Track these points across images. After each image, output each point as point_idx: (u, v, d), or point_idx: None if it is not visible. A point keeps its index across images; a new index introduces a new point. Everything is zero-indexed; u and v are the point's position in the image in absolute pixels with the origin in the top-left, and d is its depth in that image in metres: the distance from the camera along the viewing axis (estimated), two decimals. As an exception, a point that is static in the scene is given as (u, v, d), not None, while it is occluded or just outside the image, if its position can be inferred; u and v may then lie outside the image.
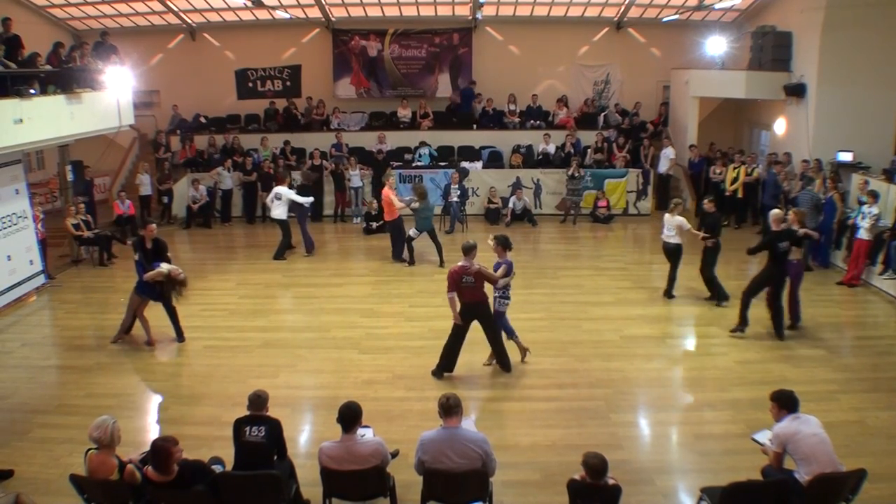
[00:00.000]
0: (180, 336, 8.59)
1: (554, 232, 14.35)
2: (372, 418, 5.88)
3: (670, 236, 9.63)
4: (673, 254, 9.71)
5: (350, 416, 4.61)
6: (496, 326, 7.48)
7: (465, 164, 15.65)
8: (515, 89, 16.95)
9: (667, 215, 9.70)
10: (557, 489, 4.70)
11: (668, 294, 9.91)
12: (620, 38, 17.52)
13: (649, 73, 17.30)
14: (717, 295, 9.59)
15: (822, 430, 4.66)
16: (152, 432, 6.40)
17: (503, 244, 7.49)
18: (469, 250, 7.20)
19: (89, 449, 4.55)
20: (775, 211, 8.37)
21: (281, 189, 12.33)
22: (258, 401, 4.88)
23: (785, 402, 4.75)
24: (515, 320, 8.89)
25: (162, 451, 4.35)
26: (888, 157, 12.08)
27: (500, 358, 7.57)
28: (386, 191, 11.97)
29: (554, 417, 6.59)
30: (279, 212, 12.22)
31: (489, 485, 4.70)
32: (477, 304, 7.28)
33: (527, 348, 7.80)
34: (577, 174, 14.62)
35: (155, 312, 8.56)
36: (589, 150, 15.75)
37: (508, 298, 7.58)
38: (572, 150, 15.63)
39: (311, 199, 12.72)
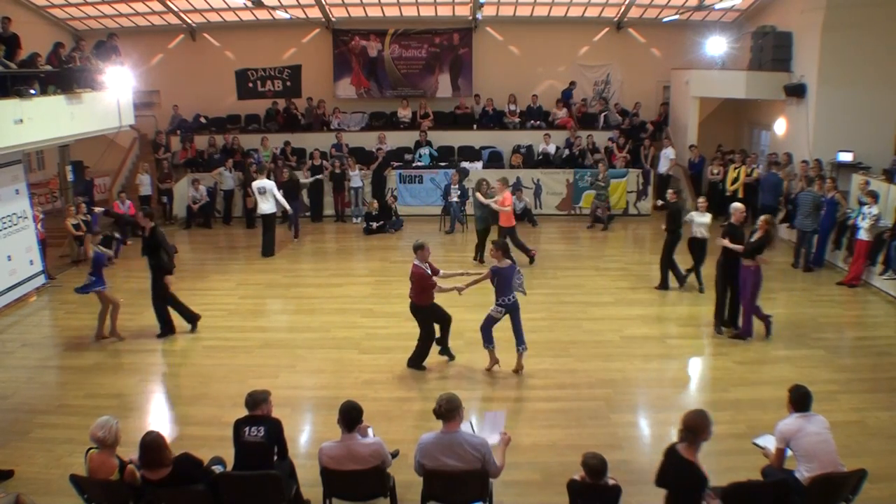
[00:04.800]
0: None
1: (554, 232, 14.35)
2: (372, 418, 5.87)
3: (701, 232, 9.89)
4: (703, 248, 9.98)
5: (351, 416, 4.60)
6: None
7: (465, 164, 15.66)
8: (515, 89, 16.95)
9: (695, 213, 10.00)
10: (558, 489, 4.69)
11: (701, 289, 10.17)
12: (620, 39, 17.51)
13: (649, 74, 17.30)
14: (663, 283, 10.35)
15: (828, 431, 4.65)
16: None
17: (502, 249, 7.41)
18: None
19: (90, 449, 4.55)
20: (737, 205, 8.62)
21: (263, 182, 12.37)
22: (252, 401, 4.88)
23: (795, 399, 4.74)
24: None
25: (154, 443, 4.36)
26: (888, 157, 12.08)
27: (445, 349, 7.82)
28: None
29: (554, 417, 6.59)
30: (266, 206, 12.26)
31: (489, 485, 4.70)
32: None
33: (497, 360, 7.59)
34: (601, 178, 14.51)
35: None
36: (586, 151, 15.77)
37: (502, 307, 7.31)
38: (590, 152, 15.63)
39: (285, 205, 12.79)
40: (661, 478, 4.35)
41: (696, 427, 4.16)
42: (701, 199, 10.43)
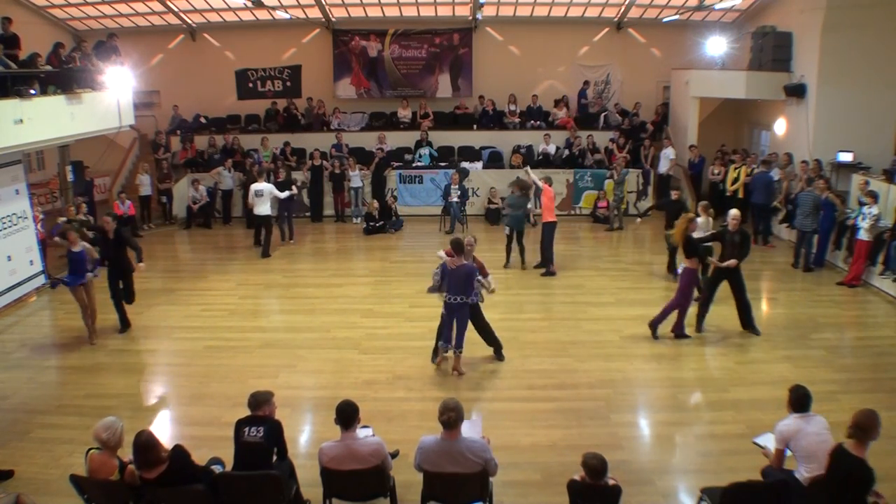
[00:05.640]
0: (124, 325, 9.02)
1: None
2: (372, 418, 5.90)
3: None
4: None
5: (347, 414, 4.60)
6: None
7: (465, 164, 15.66)
8: (516, 89, 16.96)
9: (702, 219, 9.80)
10: (558, 489, 4.69)
11: None
12: (620, 39, 17.52)
13: (649, 74, 17.30)
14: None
15: (828, 431, 4.64)
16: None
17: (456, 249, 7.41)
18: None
19: (90, 448, 4.56)
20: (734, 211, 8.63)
21: (261, 185, 12.49)
22: (254, 401, 4.89)
23: (794, 399, 4.74)
24: (516, 320, 8.97)
25: (147, 443, 4.39)
26: (888, 157, 12.09)
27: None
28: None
29: (554, 417, 6.59)
30: (263, 208, 12.39)
31: (489, 485, 4.70)
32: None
33: (440, 362, 7.69)
34: (617, 178, 14.48)
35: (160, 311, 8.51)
36: (586, 151, 15.79)
37: (444, 304, 7.42)
38: (590, 152, 15.64)
39: (288, 193, 13.01)
40: (830, 478, 4.33)
41: (866, 426, 4.25)
42: (701, 205, 10.27)
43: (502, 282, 10.43)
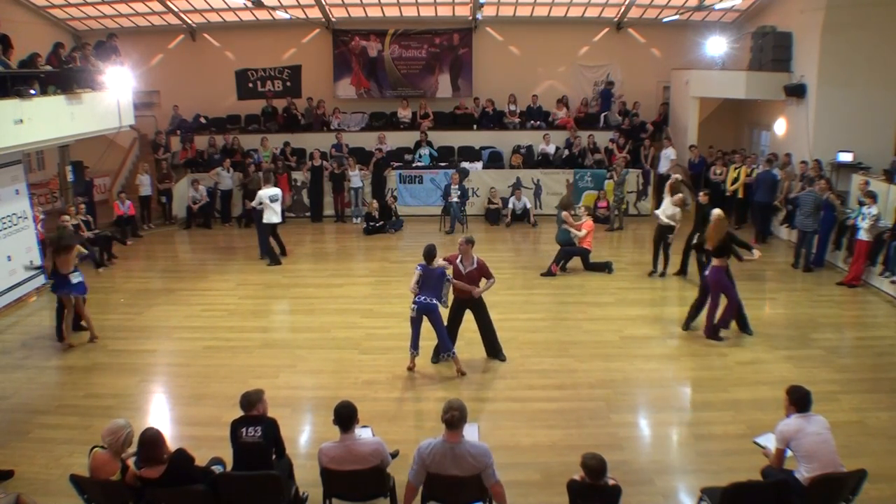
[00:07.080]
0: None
1: (554, 232, 14.30)
2: (372, 418, 5.90)
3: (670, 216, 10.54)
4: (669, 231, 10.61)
5: (346, 415, 4.59)
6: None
7: (465, 164, 15.66)
8: (515, 90, 16.96)
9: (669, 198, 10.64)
10: (558, 489, 4.69)
11: (662, 273, 10.95)
12: (620, 39, 17.53)
13: (649, 74, 17.32)
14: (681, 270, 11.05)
15: (828, 431, 4.65)
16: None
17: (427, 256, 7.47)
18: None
19: (96, 446, 4.58)
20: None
21: (276, 191, 11.98)
22: (247, 401, 4.88)
23: (795, 399, 4.74)
24: (516, 320, 8.96)
25: (152, 439, 4.41)
26: (888, 157, 12.09)
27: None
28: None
29: (554, 417, 6.58)
30: (268, 215, 11.73)
31: (489, 485, 4.70)
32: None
33: (413, 365, 7.63)
34: (617, 178, 14.47)
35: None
36: (586, 151, 15.79)
37: (415, 304, 7.36)
38: (590, 152, 15.68)
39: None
40: None
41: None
42: (666, 187, 11.03)
43: (503, 282, 10.44)
